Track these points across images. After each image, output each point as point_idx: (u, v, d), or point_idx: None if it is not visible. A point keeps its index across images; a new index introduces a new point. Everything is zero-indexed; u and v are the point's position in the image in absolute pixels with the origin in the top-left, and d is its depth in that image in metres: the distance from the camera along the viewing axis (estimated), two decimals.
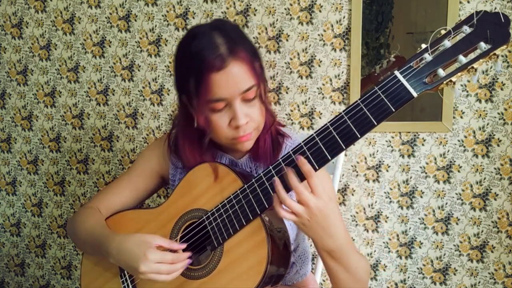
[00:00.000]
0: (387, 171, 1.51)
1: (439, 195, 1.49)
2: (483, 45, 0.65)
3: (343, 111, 0.72)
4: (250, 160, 0.99)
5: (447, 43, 0.67)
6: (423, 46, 0.69)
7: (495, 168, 1.44)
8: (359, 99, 0.71)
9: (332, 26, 1.48)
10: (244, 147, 0.90)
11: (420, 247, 1.53)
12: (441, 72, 0.67)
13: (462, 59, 0.66)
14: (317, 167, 0.75)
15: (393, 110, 0.68)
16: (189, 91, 0.86)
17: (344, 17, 1.47)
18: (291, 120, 1.56)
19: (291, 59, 1.52)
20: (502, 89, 1.40)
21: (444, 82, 0.67)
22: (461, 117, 1.44)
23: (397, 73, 0.69)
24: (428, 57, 0.67)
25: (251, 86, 0.84)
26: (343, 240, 0.77)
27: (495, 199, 1.45)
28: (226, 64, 0.81)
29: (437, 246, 1.52)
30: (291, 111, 1.55)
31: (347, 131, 0.71)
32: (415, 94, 0.67)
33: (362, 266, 0.82)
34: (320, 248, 0.77)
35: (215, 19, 0.94)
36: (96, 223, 0.99)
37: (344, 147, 0.72)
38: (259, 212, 0.80)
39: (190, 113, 0.92)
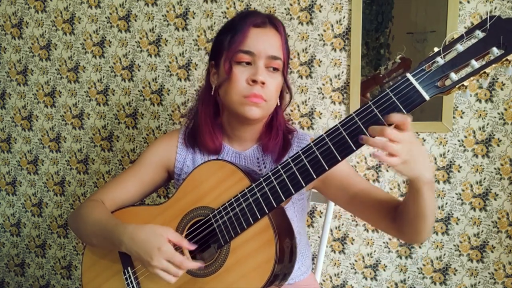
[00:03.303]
0: (387, 171, 1.51)
1: (439, 195, 1.49)
2: (495, 51, 0.65)
3: (354, 112, 0.72)
4: (258, 151, 1.00)
5: (460, 47, 0.67)
6: (436, 49, 0.69)
7: (495, 168, 1.44)
8: (371, 101, 0.71)
9: (332, 26, 1.48)
10: (250, 111, 0.92)
11: (420, 247, 1.53)
12: (454, 76, 0.67)
13: (475, 63, 0.66)
14: (326, 168, 0.75)
15: (405, 113, 0.69)
16: (221, 48, 0.95)
17: (344, 17, 1.47)
18: (291, 120, 1.56)
19: (291, 59, 1.52)
20: (502, 89, 1.40)
21: (457, 86, 0.68)
22: (461, 117, 1.44)
23: (409, 76, 0.69)
24: (440, 60, 0.68)
25: (279, 57, 0.93)
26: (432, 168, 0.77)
27: (495, 199, 1.45)
28: (266, 25, 0.93)
29: (437, 246, 1.52)
30: (291, 111, 1.55)
31: (357, 132, 0.71)
32: (427, 97, 0.68)
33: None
34: (421, 182, 0.74)
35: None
36: (103, 213, 0.99)
37: (354, 149, 0.72)
38: (267, 211, 0.80)
39: (210, 85, 1.00)
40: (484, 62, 0.66)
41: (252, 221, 0.82)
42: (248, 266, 0.81)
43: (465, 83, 0.67)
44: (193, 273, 0.88)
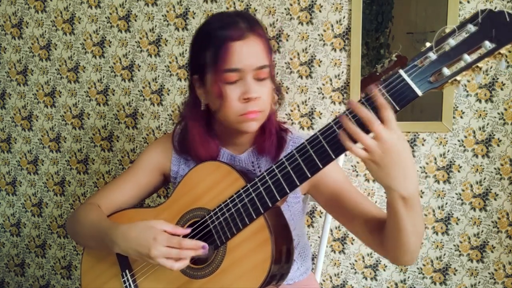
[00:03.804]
0: None
1: (439, 195, 1.49)
2: (488, 44, 0.64)
3: (347, 109, 0.72)
4: (253, 154, 1.00)
5: (452, 42, 0.66)
6: (428, 44, 0.68)
7: (495, 168, 1.44)
8: (363, 98, 0.70)
9: (332, 26, 1.48)
10: (250, 127, 0.90)
11: (420, 247, 1.53)
12: (446, 71, 0.66)
13: (467, 58, 0.65)
14: (321, 166, 0.74)
15: (398, 109, 0.68)
16: (203, 65, 0.90)
17: (344, 17, 1.47)
18: (291, 120, 1.56)
19: (291, 59, 1.52)
20: (502, 89, 1.40)
21: (449, 81, 0.67)
22: (461, 117, 1.44)
23: (401, 71, 0.68)
24: (432, 55, 0.67)
25: (265, 65, 0.88)
26: (417, 185, 0.71)
27: (495, 199, 1.45)
28: (245, 36, 0.87)
29: (437, 246, 1.52)
30: (291, 111, 1.55)
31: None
32: (420, 93, 0.67)
33: (422, 216, 0.77)
34: (395, 195, 0.70)
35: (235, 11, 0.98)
36: (98, 216, 0.99)
37: None
38: (262, 211, 0.80)
39: (198, 98, 0.96)
40: (476, 56, 0.66)
41: (247, 222, 0.81)
42: (245, 267, 0.81)
43: (458, 77, 0.66)
44: (190, 274, 0.88)
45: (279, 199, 0.79)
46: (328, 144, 0.73)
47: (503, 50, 0.64)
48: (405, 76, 0.68)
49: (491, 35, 0.64)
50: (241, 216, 0.82)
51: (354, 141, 0.69)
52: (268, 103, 0.92)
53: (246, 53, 0.86)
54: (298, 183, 0.77)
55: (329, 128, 0.73)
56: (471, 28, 0.66)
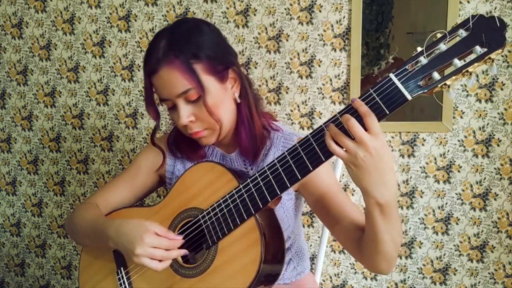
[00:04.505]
0: None
1: (439, 195, 1.49)
2: (478, 49, 0.65)
3: (338, 112, 0.72)
4: (240, 155, 1.00)
5: (443, 47, 0.67)
6: (419, 49, 0.69)
7: (495, 168, 1.44)
8: (348, 106, 0.71)
9: (332, 26, 1.48)
10: (203, 142, 0.95)
11: (420, 247, 1.53)
12: (436, 75, 0.67)
13: (457, 62, 0.66)
14: (311, 168, 0.75)
15: (387, 112, 0.68)
16: None
17: (344, 17, 1.47)
18: (291, 120, 1.56)
19: (291, 59, 1.52)
20: (502, 89, 1.40)
21: (439, 85, 0.67)
22: (461, 117, 1.44)
23: (392, 75, 0.69)
24: (423, 60, 0.68)
25: (187, 89, 0.86)
26: (395, 192, 0.71)
27: (495, 199, 1.45)
28: (158, 68, 0.86)
29: (437, 246, 1.52)
30: (291, 111, 1.55)
31: (342, 132, 0.71)
32: (409, 97, 0.67)
33: (400, 227, 0.77)
34: (372, 200, 0.70)
35: (179, 19, 0.95)
36: (95, 214, 1.01)
37: None
38: (253, 212, 0.81)
39: None
40: (467, 61, 0.66)
41: (239, 222, 0.82)
42: (235, 267, 0.82)
43: (448, 82, 0.67)
44: (182, 273, 0.89)
45: (269, 200, 0.79)
46: (319, 147, 0.74)
47: (493, 55, 0.64)
48: (395, 79, 0.68)
49: (482, 40, 0.65)
50: (232, 217, 0.83)
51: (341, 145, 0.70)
52: (210, 119, 0.89)
53: (162, 85, 0.88)
54: (288, 185, 0.77)
55: (321, 131, 0.74)
56: (463, 33, 0.66)
